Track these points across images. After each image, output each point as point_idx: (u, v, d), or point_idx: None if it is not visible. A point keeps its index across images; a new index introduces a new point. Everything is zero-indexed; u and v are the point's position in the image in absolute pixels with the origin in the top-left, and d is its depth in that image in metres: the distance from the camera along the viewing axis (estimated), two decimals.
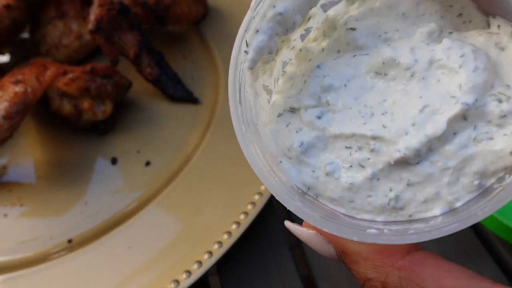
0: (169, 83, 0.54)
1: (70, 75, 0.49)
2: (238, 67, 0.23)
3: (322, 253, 0.24)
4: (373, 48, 0.23)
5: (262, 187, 0.42)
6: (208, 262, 0.38)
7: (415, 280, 0.20)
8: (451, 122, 0.20)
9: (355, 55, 0.23)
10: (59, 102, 0.50)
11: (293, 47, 0.26)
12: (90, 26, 0.52)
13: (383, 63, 0.22)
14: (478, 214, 0.19)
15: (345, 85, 0.23)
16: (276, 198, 0.22)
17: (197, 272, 0.37)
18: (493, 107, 0.20)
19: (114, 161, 0.49)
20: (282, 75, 0.25)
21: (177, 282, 0.37)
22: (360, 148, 0.23)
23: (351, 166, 0.23)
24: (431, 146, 0.21)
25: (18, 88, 0.46)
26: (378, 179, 0.22)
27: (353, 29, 0.24)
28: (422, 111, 0.21)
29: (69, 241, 0.43)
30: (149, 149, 0.50)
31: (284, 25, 0.23)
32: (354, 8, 0.25)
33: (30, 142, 0.53)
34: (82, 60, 0.60)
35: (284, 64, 0.26)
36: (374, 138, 0.22)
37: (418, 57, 0.22)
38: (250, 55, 0.23)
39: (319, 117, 0.23)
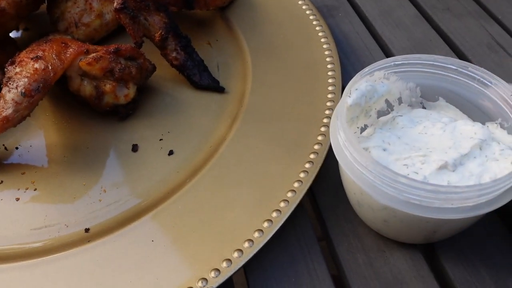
0: (195, 69, 0.51)
1: (93, 55, 0.46)
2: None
3: None
4: (413, 124, 0.38)
5: (296, 184, 0.40)
6: (238, 261, 0.36)
7: None
8: (472, 148, 0.34)
9: (402, 128, 0.38)
10: (79, 82, 0.47)
11: (370, 116, 0.40)
12: (116, 4, 0.49)
13: (424, 127, 0.37)
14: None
15: (399, 138, 0.37)
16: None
17: (227, 271, 0.35)
18: (495, 145, 0.34)
19: (134, 148, 0.47)
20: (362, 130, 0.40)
21: (205, 280, 0.35)
22: (413, 164, 0.34)
23: (408, 174, 0.33)
24: (461, 162, 0.33)
25: (38, 65, 0.43)
26: (428, 180, 0.33)
27: (400, 115, 0.39)
28: (454, 143, 0.35)
29: (87, 230, 0.40)
30: (172, 137, 0.47)
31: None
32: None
33: (45, 123, 0.50)
34: (100, 41, 0.58)
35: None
36: (424, 156, 0.34)
37: (446, 125, 0.37)
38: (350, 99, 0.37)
39: (384, 150, 0.36)
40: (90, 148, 0.47)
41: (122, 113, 0.49)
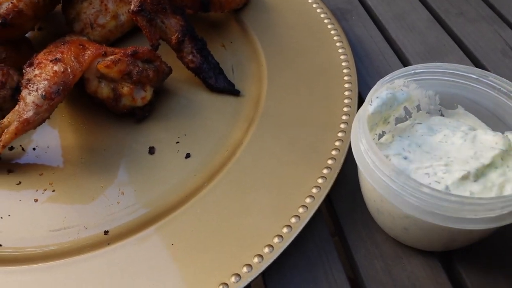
0: (211, 72, 0.51)
1: (111, 57, 0.46)
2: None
3: None
4: (433, 132, 0.38)
5: (314, 190, 0.40)
6: (259, 266, 0.36)
7: None
8: (494, 158, 0.34)
9: (422, 135, 0.38)
10: (96, 84, 0.47)
11: (388, 122, 0.40)
12: (133, 6, 0.49)
13: (444, 135, 0.37)
14: None
15: (419, 146, 0.37)
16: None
17: (247, 276, 0.35)
18: None
19: (151, 150, 0.47)
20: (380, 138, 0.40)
21: (226, 285, 0.35)
22: (435, 173, 0.34)
23: (430, 183, 0.33)
24: (483, 172, 0.34)
25: (57, 67, 0.43)
26: (450, 190, 0.33)
27: (419, 123, 0.39)
28: (475, 153, 0.35)
29: (106, 232, 0.41)
30: (189, 140, 0.48)
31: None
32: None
33: (61, 124, 0.50)
34: (114, 42, 0.58)
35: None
36: (445, 165, 0.34)
37: (467, 134, 0.37)
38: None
39: (404, 158, 0.36)
40: (107, 150, 0.48)
41: (139, 115, 0.49)
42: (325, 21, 0.57)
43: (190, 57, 0.51)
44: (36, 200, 0.44)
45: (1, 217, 0.42)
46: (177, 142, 0.48)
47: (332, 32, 0.55)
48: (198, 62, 0.51)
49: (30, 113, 0.41)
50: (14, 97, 0.48)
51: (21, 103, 0.42)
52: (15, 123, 0.41)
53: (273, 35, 0.57)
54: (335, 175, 0.41)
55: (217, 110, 0.50)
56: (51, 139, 0.49)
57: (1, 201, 0.44)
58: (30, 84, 0.42)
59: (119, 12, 0.56)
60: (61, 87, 0.42)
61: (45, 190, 0.44)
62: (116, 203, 0.43)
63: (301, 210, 0.39)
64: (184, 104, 0.51)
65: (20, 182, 0.45)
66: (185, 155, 0.46)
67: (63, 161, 0.47)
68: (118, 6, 0.56)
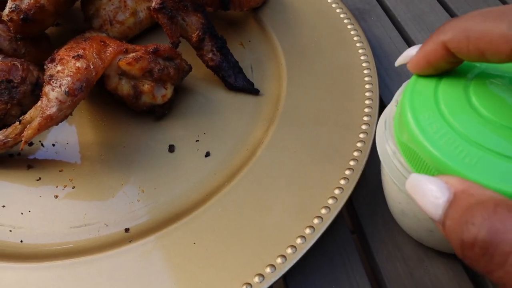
0: (230, 71, 0.51)
1: (133, 54, 0.46)
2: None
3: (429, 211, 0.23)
4: None
5: (336, 191, 0.40)
6: (282, 266, 0.36)
7: None
8: None
9: None
10: (117, 81, 0.47)
11: None
12: (154, 4, 0.49)
13: None
14: None
15: None
16: None
17: (271, 277, 0.35)
18: None
19: (171, 148, 0.47)
20: None
21: (249, 285, 0.35)
22: None
23: None
24: None
25: (79, 64, 0.43)
26: None
27: None
28: None
29: (127, 230, 0.41)
30: (208, 139, 0.47)
31: None
32: None
33: (80, 121, 0.50)
34: (132, 39, 0.58)
35: None
36: None
37: None
38: None
39: None
40: (127, 147, 0.48)
41: (158, 113, 0.49)
42: (345, 21, 0.57)
43: (210, 55, 0.51)
44: (56, 196, 0.44)
45: (22, 213, 0.43)
46: (196, 141, 0.47)
47: (352, 32, 0.55)
48: (218, 60, 0.51)
49: (54, 109, 0.41)
50: (34, 92, 0.48)
51: (44, 99, 0.42)
52: (38, 119, 0.41)
53: (292, 34, 0.57)
54: (357, 177, 0.41)
55: (236, 109, 0.50)
56: (70, 136, 0.49)
57: (22, 196, 0.44)
58: (53, 80, 0.42)
59: (138, 9, 0.56)
60: (84, 84, 0.42)
61: (65, 186, 0.45)
62: (137, 201, 0.43)
63: (323, 211, 0.39)
64: (203, 102, 0.51)
65: (40, 178, 0.45)
66: (205, 154, 0.46)
67: (82, 157, 0.47)
68: (137, 3, 0.56)
